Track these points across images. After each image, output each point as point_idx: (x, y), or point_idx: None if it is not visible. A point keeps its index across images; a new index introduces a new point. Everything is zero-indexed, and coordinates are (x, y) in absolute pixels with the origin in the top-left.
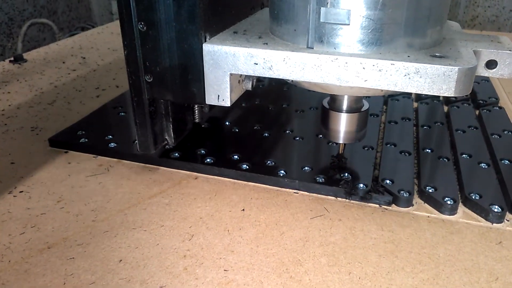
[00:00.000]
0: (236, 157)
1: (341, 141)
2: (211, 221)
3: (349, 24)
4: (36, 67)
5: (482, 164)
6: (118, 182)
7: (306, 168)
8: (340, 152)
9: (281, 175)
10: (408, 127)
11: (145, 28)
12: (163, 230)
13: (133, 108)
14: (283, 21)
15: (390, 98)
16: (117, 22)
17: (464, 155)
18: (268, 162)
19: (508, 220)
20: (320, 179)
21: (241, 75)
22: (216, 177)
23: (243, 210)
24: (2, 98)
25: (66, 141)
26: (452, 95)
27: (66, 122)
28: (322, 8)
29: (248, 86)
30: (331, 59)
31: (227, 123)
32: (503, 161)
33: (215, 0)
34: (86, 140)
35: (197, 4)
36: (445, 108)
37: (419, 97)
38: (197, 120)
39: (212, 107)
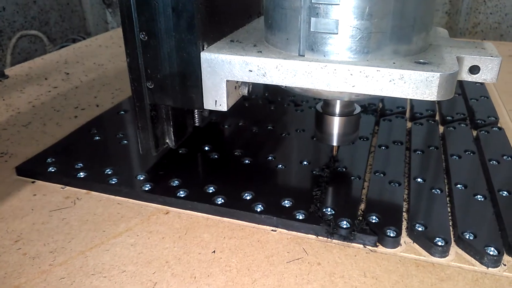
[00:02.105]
0: (211, 189)
1: (334, 144)
2: (177, 266)
3: (337, 33)
4: (17, 84)
5: (478, 196)
6: (84, 218)
7: (286, 201)
8: (334, 153)
9: (258, 210)
10: (399, 152)
11: (146, 37)
12: (124, 277)
13: (135, 112)
14: (276, 30)
15: (382, 118)
16: (109, 33)
17: (459, 186)
18: (246, 194)
19: (505, 264)
20: (300, 215)
21: (237, 81)
22: (189, 211)
23: (214, 252)
24: None
25: (34, 169)
26: (435, 99)
27: (39, 146)
28: (312, 18)
29: (244, 91)
30: (320, 66)
31: (206, 148)
32: (501, 193)
33: (212, 11)
34: (55, 168)
35: (195, 15)
36: (441, 129)
37: (413, 117)
38: (197, 124)
39: (211, 111)
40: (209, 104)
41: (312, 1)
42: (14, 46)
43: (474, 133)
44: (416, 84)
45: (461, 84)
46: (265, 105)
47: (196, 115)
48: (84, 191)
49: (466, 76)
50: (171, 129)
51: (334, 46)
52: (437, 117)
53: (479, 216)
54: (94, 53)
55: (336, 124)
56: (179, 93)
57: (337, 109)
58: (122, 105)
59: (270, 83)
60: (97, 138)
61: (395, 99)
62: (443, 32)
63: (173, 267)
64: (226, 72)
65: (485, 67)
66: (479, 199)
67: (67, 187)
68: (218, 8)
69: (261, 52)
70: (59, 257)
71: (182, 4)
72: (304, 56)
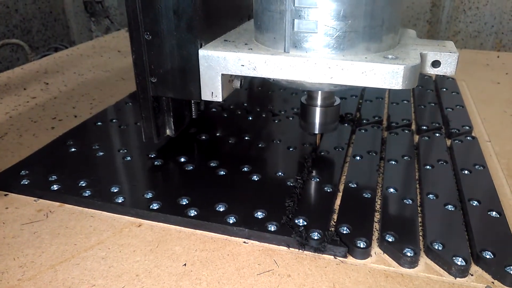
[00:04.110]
0: (185, 201)
1: (317, 132)
2: (147, 279)
3: (317, 32)
4: None
5: (449, 205)
6: (55, 232)
7: (259, 213)
8: (317, 142)
9: (231, 222)
10: (373, 163)
11: (150, 37)
12: None
13: (139, 104)
14: (264, 30)
15: (358, 129)
16: (91, 43)
17: (430, 195)
18: (219, 206)
19: (472, 275)
20: (272, 227)
21: (231, 75)
22: (162, 223)
23: (185, 265)
24: None
25: (7, 182)
26: (400, 88)
27: (14, 158)
28: (295, 20)
29: (237, 84)
30: (303, 61)
31: (182, 159)
32: (471, 202)
33: (208, 13)
34: (28, 181)
35: (194, 17)
36: (416, 138)
37: (389, 127)
38: (194, 116)
39: (207, 102)
40: (206, 95)
41: (295, 5)
42: None
43: (448, 142)
44: (385, 76)
45: (437, 94)
46: (243, 115)
47: (193, 107)
48: (57, 203)
49: (430, 70)
50: (171, 119)
51: (314, 44)
52: (413, 126)
53: (449, 226)
54: (74, 63)
55: (318, 114)
56: (179, 86)
57: (319, 101)
58: (99, 116)
59: (259, 76)
60: (73, 149)
61: (372, 108)
62: (411, 33)
63: (143, 280)
64: (221, 67)
65: (445, 61)
66: (450, 209)
67: (40, 200)
68: (213, 11)
69: (251, 49)
70: (28, 272)
71: (183, 8)
72: (289, 52)
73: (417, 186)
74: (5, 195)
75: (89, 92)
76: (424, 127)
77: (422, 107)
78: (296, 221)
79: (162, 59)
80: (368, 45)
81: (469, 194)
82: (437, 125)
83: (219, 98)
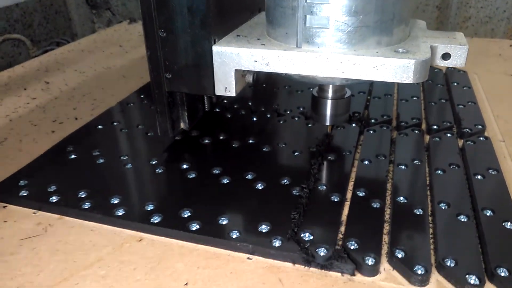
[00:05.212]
0: (187, 213)
1: (327, 123)
2: None
3: (329, 28)
4: None
5: (462, 216)
6: (54, 247)
7: (263, 226)
8: (329, 131)
9: (234, 237)
10: (382, 167)
11: (165, 34)
12: None
13: (154, 99)
14: (276, 26)
15: (367, 129)
16: (92, 37)
17: (442, 204)
18: (222, 218)
19: None
20: (277, 242)
21: (244, 70)
22: (163, 237)
23: (186, 284)
24: None
25: (6, 193)
26: (411, 82)
27: (13, 166)
28: (307, 15)
29: (250, 79)
30: (315, 56)
31: (184, 166)
32: (484, 211)
33: (221, 9)
34: (27, 192)
35: (207, 14)
36: (427, 139)
37: (398, 126)
38: (206, 109)
39: (218, 97)
40: (220, 90)
41: (307, 1)
42: None
43: (460, 143)
44: (395, 70)
45: (448, 88)
46: (247, 115)
47: (205, 101)
48: (57, 216)
49: (440, 62)
50: (185, 113)
51: (326, 39)
52: (423, 126)
53: (462, 239)
54: (76, 59)
55: (329, 106)
56: (194, 81)
57: (330, 93)
58: (100, 118)
59: (272, 72)
60: (73, 156)
61: (380, 106)
62: (421, 24)
63: None
64: (235, 62)
65: (455, 54)
66: (462, 220)
67: (40, 212)
68: (226, 6)
69: (264, 45)
70: None
71: (196, 5)
72: (301, 47)
73: (428, 193)
74: (4, 206)
75: (90, 92)
76: (435, 127)
77: (433, 104)
78: (302, 235)
79: (176, 55)
80: (379, 39)
81: (483, 203)
82: (448, 124)
83: (232, 93)
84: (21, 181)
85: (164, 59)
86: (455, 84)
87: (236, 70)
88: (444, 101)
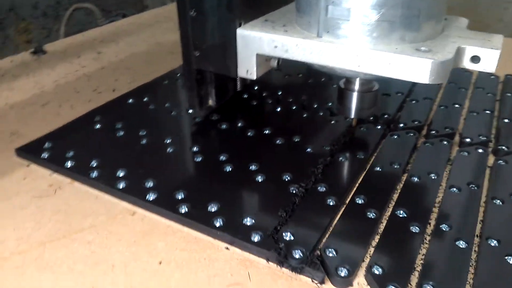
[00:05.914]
0: (180, 195)
1: (352, 116)
2: (120, 272)
3: (349, 20)
4: (51, 61)
5: (461, 241)
6: (57, 208)
7: (248, 219)
8: (353, 125)
9: (217, 225)
10: (393, 176)
11: (195, 14)
12: (69, 276)
13: (184, 75)
14: (302, 13)
15: (390, 134)
16: (154, 11)
17: (443, 225)
18: (212, 205)
19: None
20: (256, 237)
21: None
22: (154, 215)
23: (160, 263)
24: (1, 96)
25: (31, 153)
26: (426, 82)
27: (47, 128)
28: (329, 6)
29: (274, 64)
30: (332, 46)
31: (194, 149)
32: (488, 241)
33: None
34: (48, 154)
35: None
36: (454, 151)
37: (427, 135)
38: (239, 89)
39: (252, 81)
40: (242, 72)
41: None
42: (69, 18)
43: (491, 161)
44: (411, 68)
45: (500, 99)
46: (273, 105)
47: (238, 81)
48: (69, 180)
49: (468, 65)
50: (213, 90)
51: (346, 31)
52: (456, 137)
53: (453, 263)
54: (132, 32)
55: (354, 99)
56: (219, 61)
57: (357, 86)
58: (133, 93)
59: (291, 58)
60: (98, 126)
61: (415, 110)
62: (462, 22)
63: (117, 272)
64: (257, 46)
65: (485, 57)
66: (460, 246)
67: (55, 175)
68: None
69: (286, 31)
70: (22, 245)
71: None
72: (321, 37)
73: (433, 210)
74: (27, 165)
75: (134, 66)
76: (468, 139)
77: (475, 114)
78: (284, 234)
79: (204, 35)
80: (403, 35)
81: (489, 231)
82: (484, 138)
83: (253, 76)
84: (46, 144)
85: (193, 38)
86: (509, 94)
87: (258, 54)
88: (489, 112)
